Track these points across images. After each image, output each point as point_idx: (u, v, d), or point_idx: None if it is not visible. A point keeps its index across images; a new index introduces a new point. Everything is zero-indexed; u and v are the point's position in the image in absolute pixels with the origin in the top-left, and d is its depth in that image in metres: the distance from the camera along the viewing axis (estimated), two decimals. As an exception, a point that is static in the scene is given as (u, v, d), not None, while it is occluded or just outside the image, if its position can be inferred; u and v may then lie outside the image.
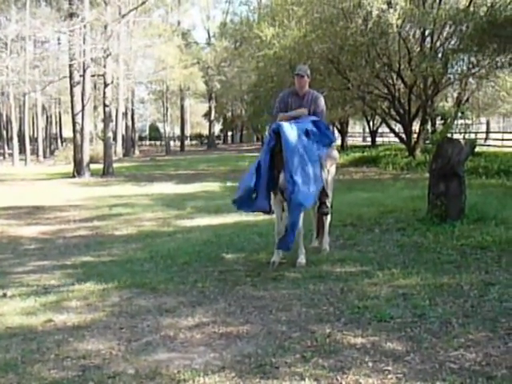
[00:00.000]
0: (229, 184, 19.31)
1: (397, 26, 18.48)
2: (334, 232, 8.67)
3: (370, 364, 3.82)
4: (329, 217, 7.44)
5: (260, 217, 10.73)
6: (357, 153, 29.49)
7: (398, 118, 24.14)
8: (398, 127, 28.39)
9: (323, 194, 7.02)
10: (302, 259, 6.79)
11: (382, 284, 5.62)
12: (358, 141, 52.41)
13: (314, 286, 5.73)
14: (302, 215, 6.59)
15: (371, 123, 37.74)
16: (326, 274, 6.20)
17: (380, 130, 41.23)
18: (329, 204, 7.15)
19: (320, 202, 7.07)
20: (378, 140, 40.76)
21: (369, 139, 42.38)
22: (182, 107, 58.60)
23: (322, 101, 7.26)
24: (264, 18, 27.25)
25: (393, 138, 36.23)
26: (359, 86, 22.35)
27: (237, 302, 5.43)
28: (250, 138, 70.29)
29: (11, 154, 44.28)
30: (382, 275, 5.92)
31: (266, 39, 21.75)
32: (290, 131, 6.51)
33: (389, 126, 27.16)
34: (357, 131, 63.50)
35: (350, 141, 42.66)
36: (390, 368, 3.74)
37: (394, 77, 22.49)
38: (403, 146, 25.60)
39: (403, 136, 24.49)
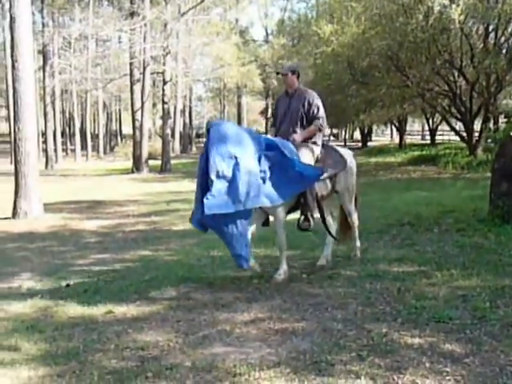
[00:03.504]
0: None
1: (459, 22, 18.02)
2: (391, 231, 8.60)
3: (428, 365, 3.76)
4: (356, 221, 6.89)
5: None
6: (415, 151, 28.98)
7: (458, 116, 23.57)
8: (458, 125, 27.73)
9: (306, 206, 6.09)
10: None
11: (441, 285, 5.52)
12: (417, 139, 51.52)
13: (370, 285, 5.68)
14: (241, 225, 5.67)
15: (431, 121, 37.01)
16: (382, 273, 6.13)
17: (440, 128, 40.40)
18: (311, 219, 6.13)
19: (302, 215, 6.16)
20: (438, 138, 39.95)
21: (428, 137, 41.59)
22: (239, 105, 58.83)
23: (316, 99, 6.37)
24: (322, 14, 27.10)
25: (453, 137, 35.48)
26: (419, 83, 21.94)
27: (292, 298, 5.44)
28: (306, 135, 69.94)
29: (73, 150, 45.49)
30: (441, 276, 5.81)
31: (324, 36, 21.58)
32: (223, 130, 5.70)
33: (449, 124, 26.55)
34: (415, 129, 62.46)
35: (408, 139, 41.98)
36: (448, 369, 3.68)
37: (456, 74, 21.96)
38: (464, 145, 24.98)
39: (464, 134, 23.92)
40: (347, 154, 6.78)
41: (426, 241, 7.80)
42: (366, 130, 43.42)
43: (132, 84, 27.95)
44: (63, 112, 56.32)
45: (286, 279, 6.05)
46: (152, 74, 31.00)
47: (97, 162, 38.79)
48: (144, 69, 26.81)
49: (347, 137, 56.89)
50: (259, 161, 5.71)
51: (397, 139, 43.08)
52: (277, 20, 58.85)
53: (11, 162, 25.57)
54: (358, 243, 7.00)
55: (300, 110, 6.29)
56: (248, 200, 5.56)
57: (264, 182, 5.69)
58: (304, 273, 6.40)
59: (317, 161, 6.25)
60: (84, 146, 44.90)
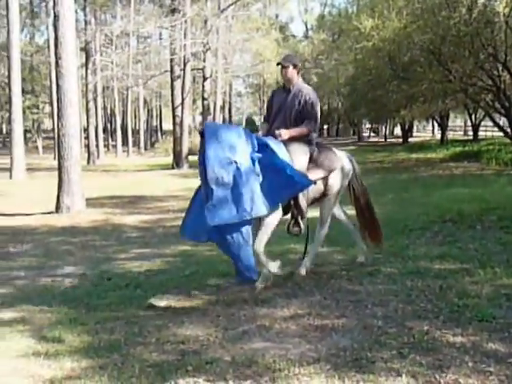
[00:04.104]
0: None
1: (504, 15, 17.63)
2: (432, 228, 8.48)
3: (471, 364, 3.70)
4: (321, 237, 6.36)
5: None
6: (457, 147, 28.48)
7: (502, 112, 23.07)
8: (502, 121, 27.13)
9: (297, 210, 5.70)
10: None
11: (484, 283, 5.42)
12: (459, 135, 50.67)
13: (411, 283, 5.61)
14: (244, 235, 5.24)
15: (473, 117, 36.35)
16: (424, 270, 6.05)
17: (483, 124, 39.64)
18: (301, 223, 5.75)
19: (291, 218, 5.79)
20: (481, 134, 39.22)
21: (470, 133, 40.85)
22: (279, 100, 58.76)
23: (312, 97, 5.89)
24: (363, 9, 26.85)
25: (497, 133, 34.74)
26: (461, 77, 21.54)
27: (332, 295, 5.42)
28: (346, 131, 69.60)
29: (115, 146, 46.19)
30: (484, 274, 5.71)
31: (365, 31, 21.39)
32: (218, 133, 5.26)
33: (493, 120, 26.03)
34: (457, 125, 61.47)
35: (450, 135, 41.33)
36: (491, 369, 3.61)
37: (500, 68, 21.47)
38: (508, 141, 24.46)
39: (508, 130, 23.41)
40: (343, 155, 6.33)
41: (468, 238, 7.67)
42: (406, 126, 42.86)
43: (172, 80, 28.19)
44: (105, 108, 57.15)
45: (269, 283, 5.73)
46: (192, 70, 31.18)
47: (137, 158, 39.26)
48: (184, 65, 27.00)
49: (387, 133, 56.32)
50: (253, 163, 5.31)
51: (438, 135, 42.47)
52: (317, 15, 58.76)
53: (55, 158, 26.12)
54: (309, 263, 6.23)
55: (295, 107, 5.85)
56: (254, 207, 5.16)
57: (260, 186, 5.28)
58: (344, 269, 6.37)
59: (310, 160, 5.83)
60: (125, 142, 45.55)
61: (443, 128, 36.86)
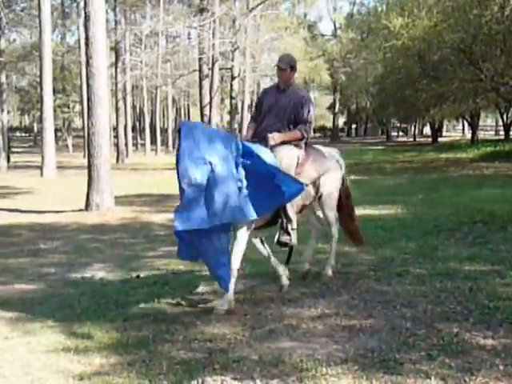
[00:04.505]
0: (352, 177, 19.10)
1: (537, 13, 17.38)
2: (462, 228, 8.38)
3: (501, 367, 3.65)
4: (335, 235, 6.20)
5: (384, 211, 10.57)
6: (488, 147, 28.12)
7: (535, 111, 22.76)
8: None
9: (286, 219, 5.47)
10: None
11: (515, 285, 5.34)
12: (490, 134, 49.99)
13: (440, 284, 5.55)
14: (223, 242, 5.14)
15: (505, 116, 35.82)
16: (453, 271, 5.99)
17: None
18: (292, 232, 5.49)
19: (280, 228, 5.53)
20: (513, 134, 38.61)
21: (502, 133, 40.26)
22: (307, 100, 58.57)
23: (309, 100, 5.77)
24: (392, 7, 26.59)
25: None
26: (493, 76, 21.24)
27: (360, 295, 5.39)
28: (374, 130, 69.21)
29: (143, 145, 46.54)
30: (515, 276, 5.62)
31: (395, 30, 21.22)
32: (196, 132, 5.03)
33: (525, 119, 25.66)
34: (488, 124, 60.67)
35: (481, 134, 40.78)
36: (523, 373, 3.55)
37: (533, 67, 21.17)
38: (540, 141, 24.08)
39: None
40: (332, 153, 6.20)
41: (499, 239, 7.56)
42: (436, 126, 42.44)
43: (201, 79, 28.38)
44: (134, 107, 57.56)
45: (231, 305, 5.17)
46: (220, 69, 31.32)
47: (166, 157, 39.45)
48: (213, 64, 27.15)
49: (416, 132, 55.83)
50: (236, 168, 5.05)
51: (469, 135, 41.97)
52: (346, 14, 58.52)
53: (84, 156, 26.45)
54: (333, 261, 6.21)
55: (289, 109, 5.63)
56: (225, 213, 4.91)
57: (240, 191, 5.02)
58: (372, 270, 6.33)
59: (299, 163, 5.62)
60: (153, 141, 45.84)
61: (474, 127, 36.42)
